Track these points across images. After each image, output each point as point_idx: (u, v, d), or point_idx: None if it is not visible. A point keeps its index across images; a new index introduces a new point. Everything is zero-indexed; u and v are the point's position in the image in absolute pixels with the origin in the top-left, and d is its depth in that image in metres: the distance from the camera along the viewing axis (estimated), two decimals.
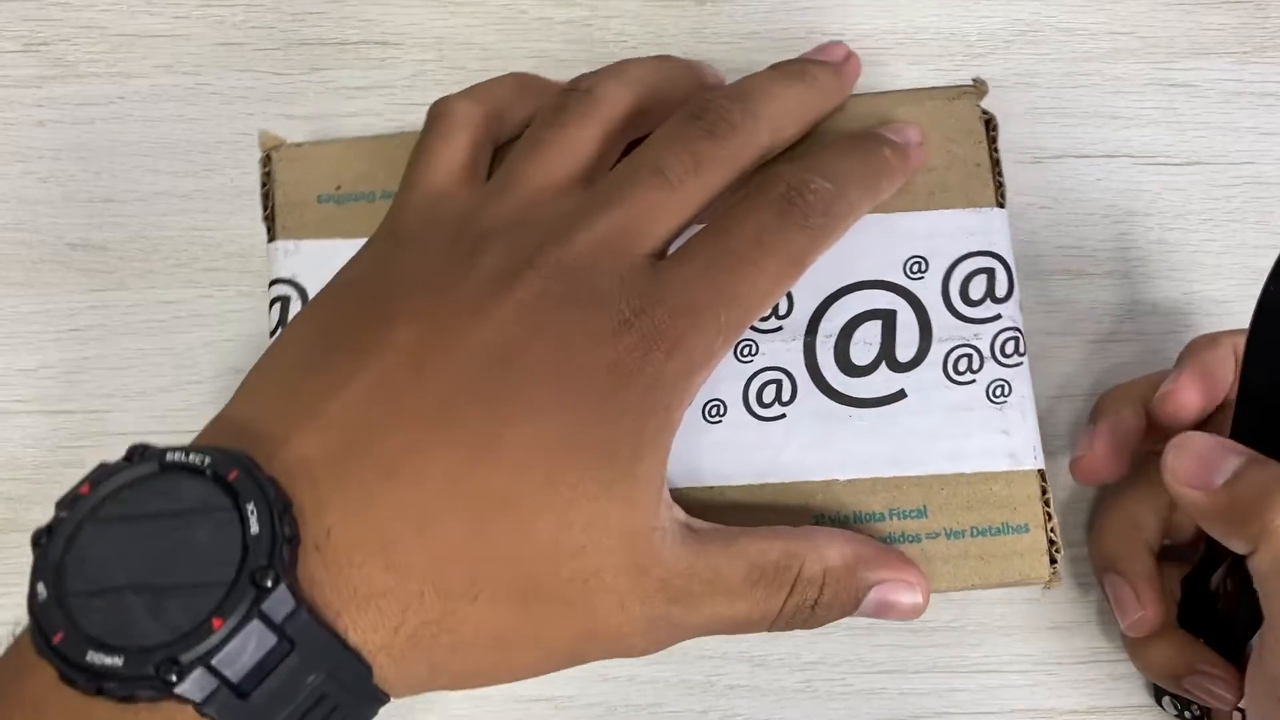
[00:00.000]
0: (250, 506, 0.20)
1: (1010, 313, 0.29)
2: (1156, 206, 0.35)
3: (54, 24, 0.37)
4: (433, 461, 0.23)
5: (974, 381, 0.29)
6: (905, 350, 0.29)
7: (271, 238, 0.30)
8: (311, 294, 0.30)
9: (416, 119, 0.36)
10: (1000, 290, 0.29)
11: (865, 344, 0.29)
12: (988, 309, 0.29)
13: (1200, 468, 0.27)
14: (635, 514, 0.24)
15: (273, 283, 0.30)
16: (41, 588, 0.20)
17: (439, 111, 0.29)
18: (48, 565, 0.20)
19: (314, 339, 0.25)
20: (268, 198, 0.31)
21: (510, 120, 0.30)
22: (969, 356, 0.29)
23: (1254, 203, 0.35)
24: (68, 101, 0.36)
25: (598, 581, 0.24)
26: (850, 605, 0.26)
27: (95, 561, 0.20)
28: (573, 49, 0.36)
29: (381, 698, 0.22)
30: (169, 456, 0.21)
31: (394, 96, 0.36)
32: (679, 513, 0.26)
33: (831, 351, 0.29)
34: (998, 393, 0.29)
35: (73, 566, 0.20)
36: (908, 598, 0.27)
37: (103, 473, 0.21)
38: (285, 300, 0.30)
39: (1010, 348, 0.29)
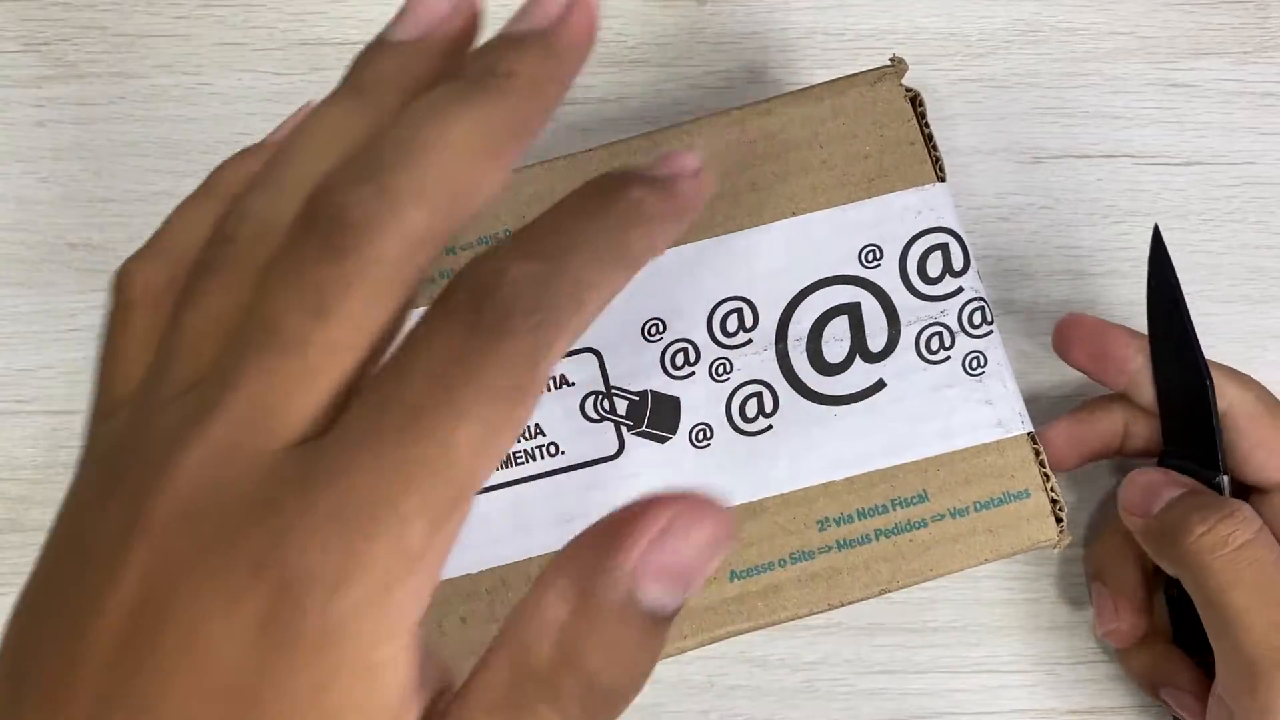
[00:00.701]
0: None
1: (971, 284, 0.29)
2: (1156, 206, 0.35)
3: (54, 24, 0.37)
4: None
5: (949, 358, 0.29)
6: (876, 340, 0.29)
7: None
8: None
9: None
10: (957, 263, 0.29)
11: (836, 341, 0.29)
12: (948, 284, 0.29)
13: (1143, 498, 0.29)
14: None
15: None
16: None
17: (114, 285, 0.21)
18: None
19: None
20: None
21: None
22: (940, 334, 0.29)
23: (1254, 203, 0.35)
24: (68, 101, 0.36)
25: None
26: (642, 637, 0.18)
27: None
28: None
29: None
30: None
31: None
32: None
33: (805, 354, 0.29)
34: (974, 365, 0.29)
35: None
36: (689, 547, 0.18)
37: None
38: None
39: (978, 318, 0.29)
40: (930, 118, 0.30)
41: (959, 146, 0.35)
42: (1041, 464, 0.28)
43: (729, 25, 0.36)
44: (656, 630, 0.18)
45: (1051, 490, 0.28)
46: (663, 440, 0.29)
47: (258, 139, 0.37)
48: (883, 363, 0.29)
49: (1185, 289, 0.35)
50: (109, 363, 0.21)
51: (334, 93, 0.20)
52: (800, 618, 0.28)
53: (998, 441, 0.28)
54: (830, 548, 0.28)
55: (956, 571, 0.28)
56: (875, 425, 0.28)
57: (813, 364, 0.29)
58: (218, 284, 0.19)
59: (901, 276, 0.29)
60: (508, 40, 0.20)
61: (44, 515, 0.34)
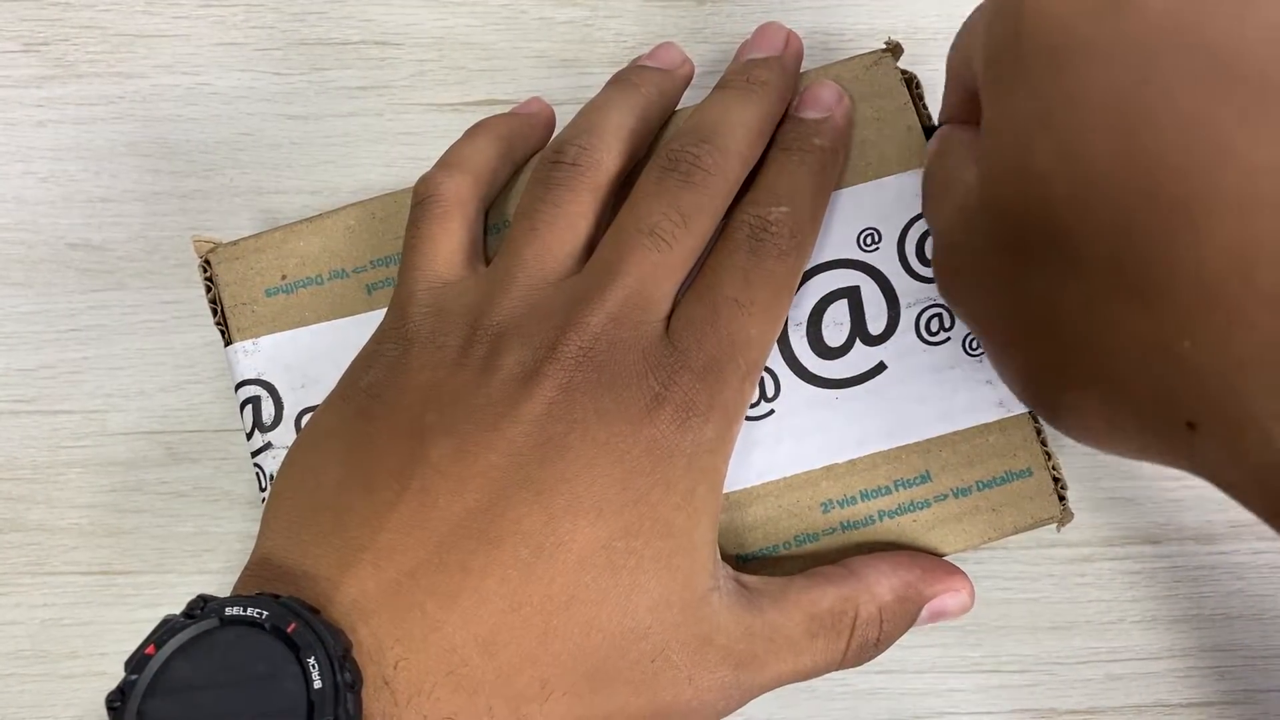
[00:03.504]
0: (311, 661, 0.20)
1: None
2: None
3: (54, 24, 0.37)
4: (489, 576, 0.23)
5: (949, 339, 0.29)
6: (876, 323, 0.29)
7: (228, 341, 0.30)
8: (281, 390, 0.30)
9: (416, 119, 0.36)
10: None
11: (836, 325, 0.29)
12: None
13: None
14: (694, 583, 0.24)
15: (239, 385, 0.30)
16: None
17: (428, 193, 0.28)
18: None
19: (344, 461, 0.25)
20: (215, 303, 0.30)
21: (498, 179, 0.29)
22: (939, 315, 0.29)
23: None
24: (68, 101, 0.36)
25: (664, 660, 0.24)
26: (908, 626, 0.27)
27: None
28: (573, 49, 0.36)
29: None
30: (229, 611, 0.21)
31: (394, 96, 0.36)
32: (728, 568, 0.26)
33: (805, 339, 0.29)
34: (974, 345, 0.29)
35: None
36: (955, 602, 0.28)
37: (166, 631, 0.21)
38: (256, 400, 0.30)
39: None
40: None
41: None
42: (1043, 442, 0.28)
43: (728, 25, 0.36)
44: (907, 630, 0.27)
45: (1054, 469, 0.28)
46: None
47: (258, 139, 0.37)
48: (883, 345, 0.29)
49: None
50: (430, 245, 0.27)
51: (609, 86, 0.30)
52: None
53: (999, 421, 0.28)
54: (834, 529, 0.28)
55: (960, 551, 0.28)
56: (877, 408, 0.28)
57: (813, 348, 0.29)
58: (567, 196, 0.27)
59: (900, 259, 0.29)
60: (754, 62, 0.29)
61: (43, 515, 0.35)
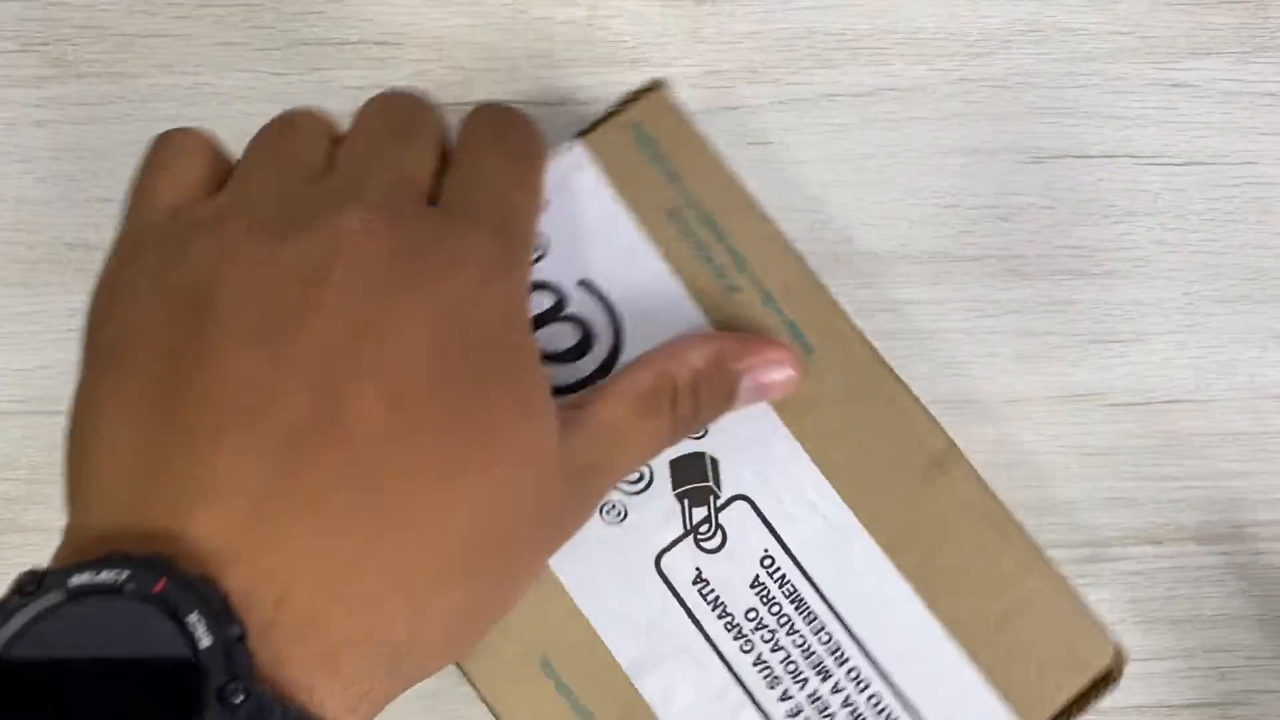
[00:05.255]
0: (193, 618, 0.17)
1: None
2: (1156, 206, 0.35)
3: (54, 24, 0.37)
4: (346, 478, 0.20)
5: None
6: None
7: None
8: None
9: None
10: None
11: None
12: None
13: None
14: (547, 427, 0.23)
15: None
16: None
17: (164, 138, 0.26)
18: None
19: (139, 415, 0.21)
20: None
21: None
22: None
23: (1254, 203, 0.35)
24: (67, 101, 0.36)
25: (544, 514, 0.24)
26: (728, 398, 0.27)
27: None
28: (573, 49, 0.36)
29: None
30: (74, 581, 0.17)
31: None
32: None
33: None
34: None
35: None
36: (778, 374, 0.27)
37: None
38: None
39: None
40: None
41: (959, 146, 0.35)
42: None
43: (728, 25, 0.36)
44: (730, 406, 0.27)
45: None
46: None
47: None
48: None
49: (1185, 289, 0.35)
50: (164, 173, 0.25)
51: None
52: None
53: None
54: None
55: None
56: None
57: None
58: (305, 128, 0.27)
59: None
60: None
61: (42, 515, 0.34)
